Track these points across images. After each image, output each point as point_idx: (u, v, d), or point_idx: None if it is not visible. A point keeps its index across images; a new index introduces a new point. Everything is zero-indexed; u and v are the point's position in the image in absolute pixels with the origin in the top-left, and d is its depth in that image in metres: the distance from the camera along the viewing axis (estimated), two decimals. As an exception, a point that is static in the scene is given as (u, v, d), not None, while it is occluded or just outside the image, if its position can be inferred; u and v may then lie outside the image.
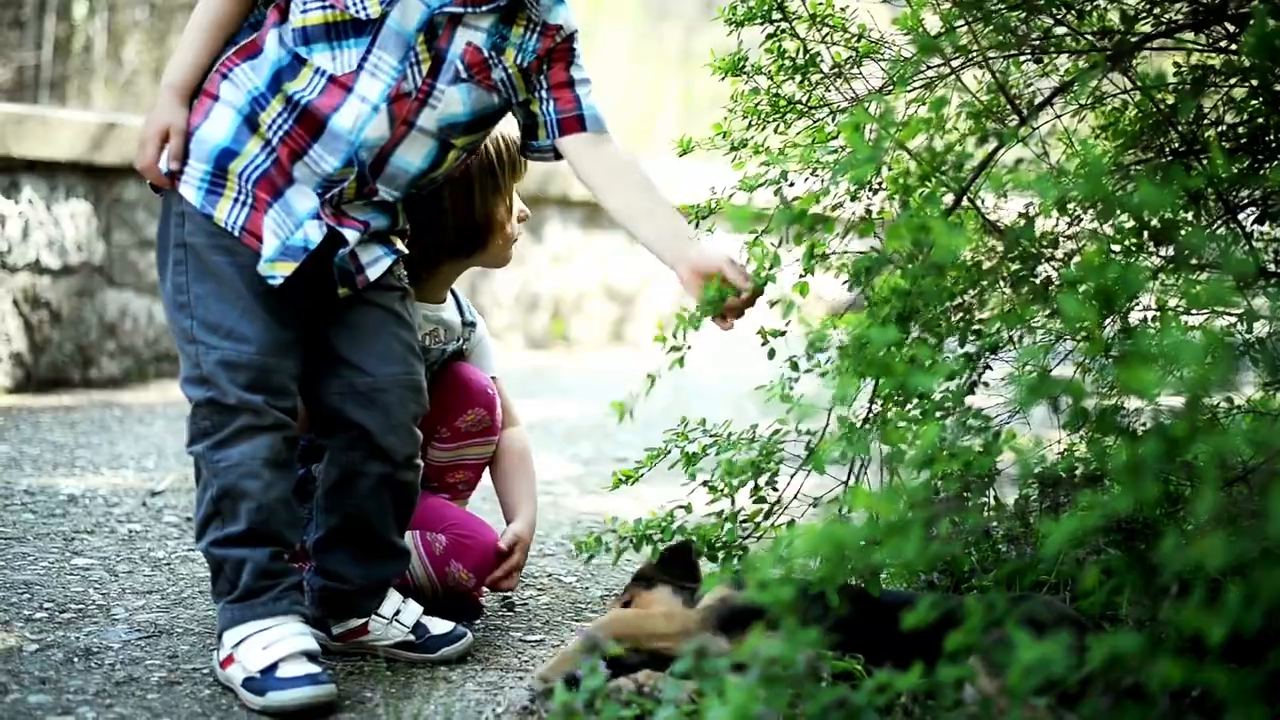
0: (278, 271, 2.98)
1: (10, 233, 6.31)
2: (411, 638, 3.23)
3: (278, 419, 2.97)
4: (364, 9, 2.95)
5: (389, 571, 3.24)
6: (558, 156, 3.18)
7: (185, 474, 4.99)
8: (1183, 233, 3.07)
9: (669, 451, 3.51)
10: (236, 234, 2.98)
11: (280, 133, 2.99)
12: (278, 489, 2.98)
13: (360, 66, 2.97)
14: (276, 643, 2.92)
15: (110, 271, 6.87)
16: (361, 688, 3.04)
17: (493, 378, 3.68)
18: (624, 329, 9.98)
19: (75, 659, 3.10)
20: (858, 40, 3.37)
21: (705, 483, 3.42)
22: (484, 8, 3.01)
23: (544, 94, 3.14)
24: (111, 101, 9.54)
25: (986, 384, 3.24)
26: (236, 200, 2.99)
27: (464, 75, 3.03)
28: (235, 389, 2.94)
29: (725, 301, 3.00)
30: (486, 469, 3.71)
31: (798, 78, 3.41)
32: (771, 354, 3.31)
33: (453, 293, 3.63)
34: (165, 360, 7.19)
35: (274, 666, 2.90)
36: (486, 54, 3.04)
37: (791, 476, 3.42)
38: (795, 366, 3.27)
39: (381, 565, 3.22)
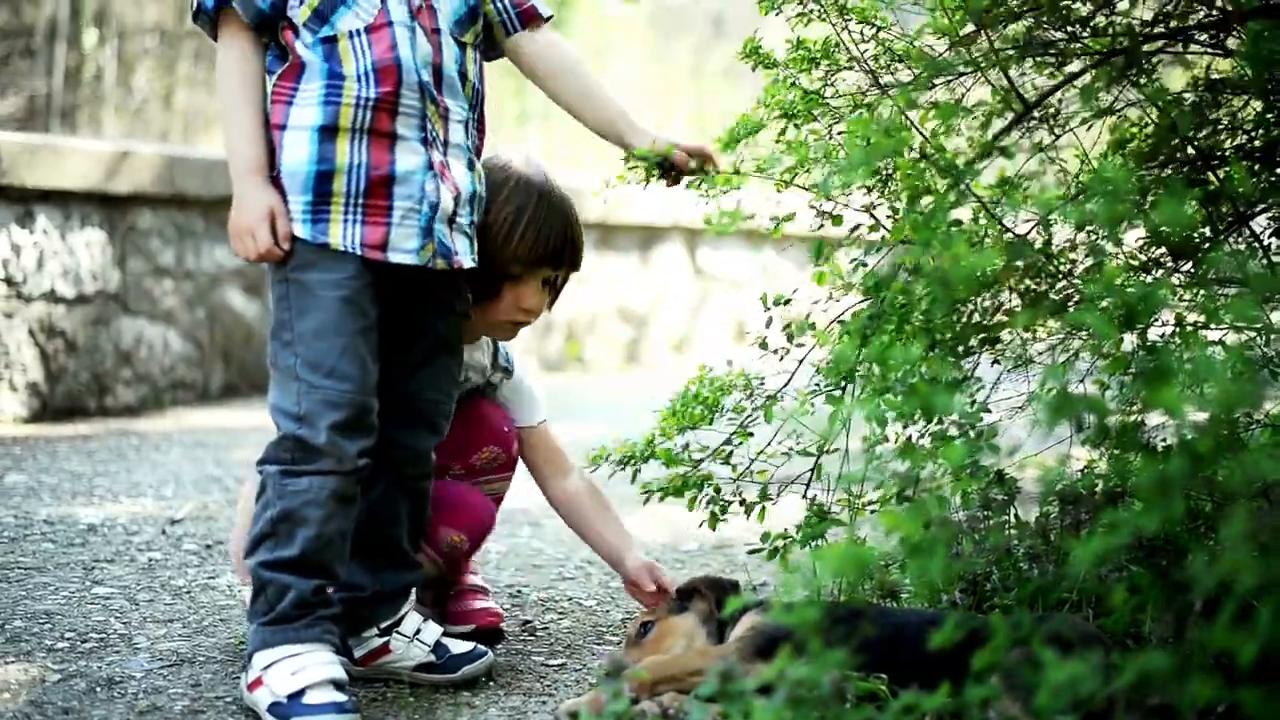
0: (427, 256, 3.05)
1: (25, 262, 6.33)
2: (432, 658, 3.22)
3: (356, 466, 2.99)
4: None
5: (403, 581, 3.25)
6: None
7: (204, 502, 4.99)
8: (1204, 248, 3.06)
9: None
10: (357, 251, 2.98)
11: (368, 108, 3.00)
12: (337, 522, 2.99)
13: (384, 2, 3.02)
14: (305, 669, 2.92)
15: (125, 299, 6.88)
16: (385, 714, 3.03)
17: (541, 422, 3.65)
18: (638, 350, 9.98)
19: (98, 689, 3.09)
20: (875, 34, 3.37)
21: (673, 411, 3.46)
22: None
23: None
24: (122, 129, 9.57)
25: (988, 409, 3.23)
26: (347, 219, 2.99)
27: (445, 5, 3.11)
28: (329, 431, 2.95)
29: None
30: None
31: (818, 71, 3.40)
32: (769, 323, 3.33)
33: (506, 354, 3.62)
34: (181, 388, 7.20)
35: (301, 693, 2.89)
36: None
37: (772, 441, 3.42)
38: (790, 339, 3.30)
39: (396, 573, 3.23)
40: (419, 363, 3.16)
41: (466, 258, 3.12)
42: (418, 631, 3.23)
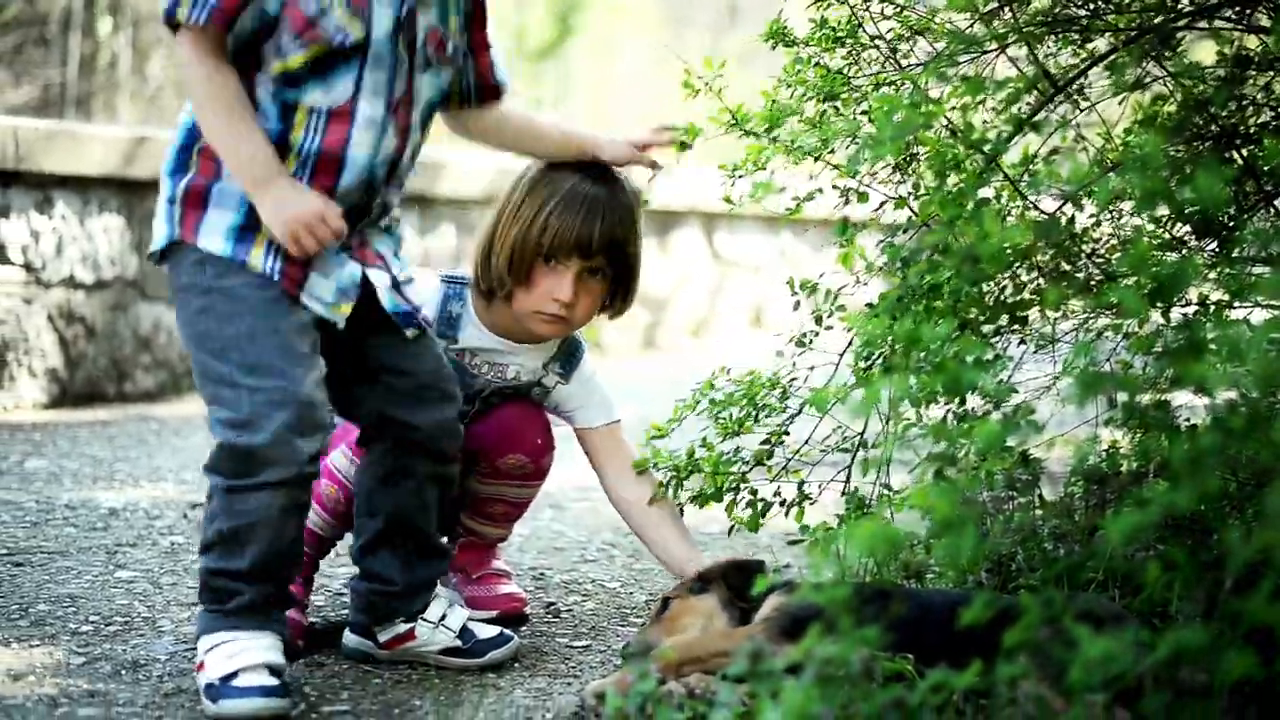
0: (340, 314, 2.99)
1: (44, 248, 6.33)
2: (458, 642, 3.22)
3: (305, 472, 2.92)
4: (347, 37, 2.90)
5: (433, 572, 3.25)
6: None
7: (224, 486, 4.99)
8: (1230, 227, 3.05)
9: (698, 403, 3.53)
10: (276, 278, 2.92)
11: (304, 182, 2.94)
12: (290, 532, 2.96)
13: (357, 91, 2.93)
14: (242, 653, 2.90)
15: (144, 285, 6.88)
16: (410, 695, 3.03)
17: (608, 424, 3.60)
18: (655, 334, 9.96)
19: (123, 671, 3.09)
20: (898, 11, 3.35)
21: (717, 417, 3.49)
22: None
23: (469, 61, 3.18)
24: (137, 116, 9.57)
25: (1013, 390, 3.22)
26: (270, 247, 2.93)
27: (432, 62, 3.04)
28: (279, 431, 2.86)
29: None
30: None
31: (842, 50, 3.39)
32: (796, 306, 3.34)
33: (567, 345, 3.59)
34: (199, 373, 7.20)
35: (234, 675, 2.87)
36: (443, 32, 3.05)
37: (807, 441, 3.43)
38: (819, 320, 3.33)
39: (426, 566, 3.22)
40: (406, 339, 3.10)
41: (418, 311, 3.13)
42: (443, 617, 3.22)
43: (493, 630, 3.27)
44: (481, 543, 3.67)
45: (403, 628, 3.22)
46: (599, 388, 3.63)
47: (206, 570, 2.96)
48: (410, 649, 3.23)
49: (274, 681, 2.88)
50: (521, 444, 3.54)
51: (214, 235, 2.94)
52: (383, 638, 3.23)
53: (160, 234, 3.00)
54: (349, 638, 3.28)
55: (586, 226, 3.31)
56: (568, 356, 3.57)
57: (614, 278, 3.43)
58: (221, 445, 2.90)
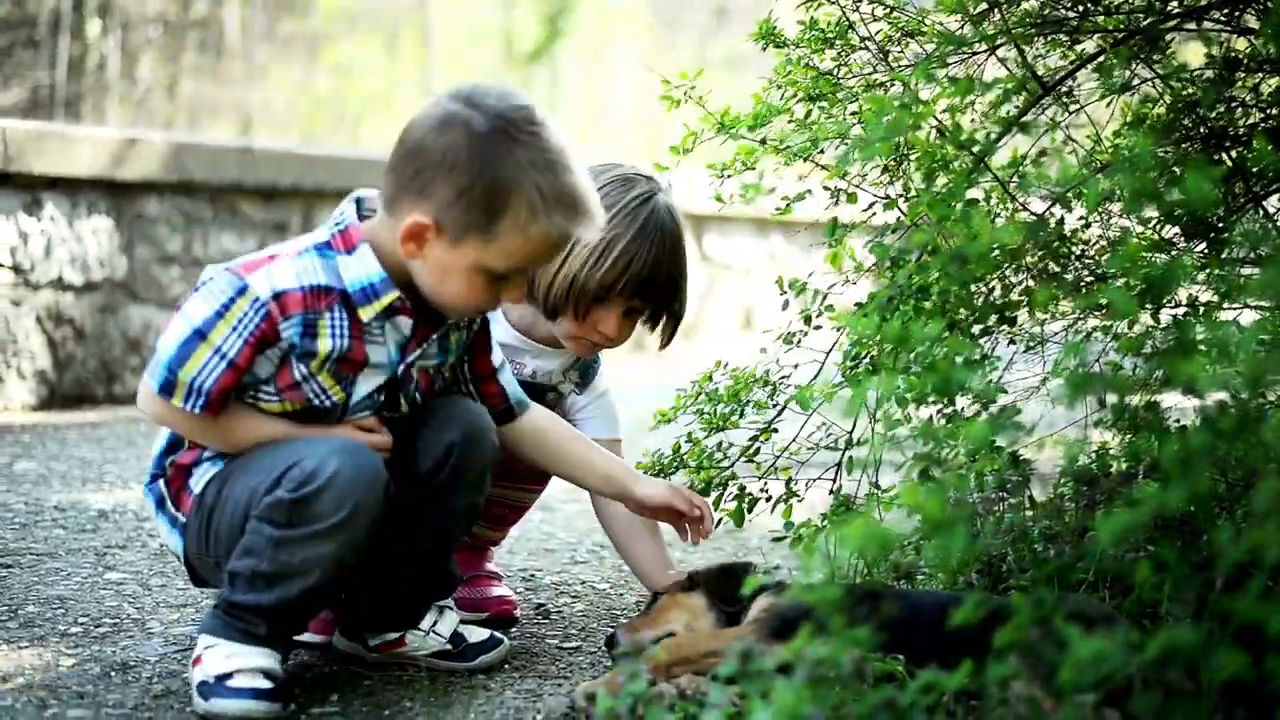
0: None
1: (33, 250, 6.32)
2: (449, 647, 3.21)
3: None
4: (327, 398, 2.96)
5: (436, 598, 3.25)
6: None
7: (213, 488, 4.99)
8: (1219, 228, 3.05)
9: (699, 393, 3.56)
10: None
11: None
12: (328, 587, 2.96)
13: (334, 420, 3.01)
14: (240, 655, 2.89)
15: (133, 287, 6.88)
16: (400, 696, 3.03)
17: (612, 439, 3.58)
18: (644, 337, 9.96)
19: (112, 673, 3.09)
20: (888, 13, 3.36)
21: (699, 411, 3.52)
22: (433, 337, 3.02)
23: (469, 388, 3.19)
24: (126, 119, 9.56)
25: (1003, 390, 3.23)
26: None
27: (417, 396, 3.07)
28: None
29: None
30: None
31: (831, 51, 3.39)
32: (785, 305, 3.35)
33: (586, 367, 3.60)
34: (188, 375, 7.19)
35: (228, 675, 2.87)
36: (433, 373, 3.08)
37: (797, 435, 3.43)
38: (808, 320, 3.35)
39: (427, 591, 3.23)
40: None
41: None
42: (434, 624, 3.23)
43: (484, 634, 3.27)
44: (476, 545, 3.66)
45: (393, 635, 3.22)
46: (610, 405, 3.65)
47: (230, 598, 2.95)
48: (401, 654, 3.23)
49: (268, 685, 2.88)
50: None
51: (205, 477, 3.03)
52: (373, 642, 3.23)
53: (174, 544, 3.13)
54: (339, 640, 3.28)
55: (648, 272, 3.33)
56: (586, 367, 3.59)
57: (669, 315, 3.46)
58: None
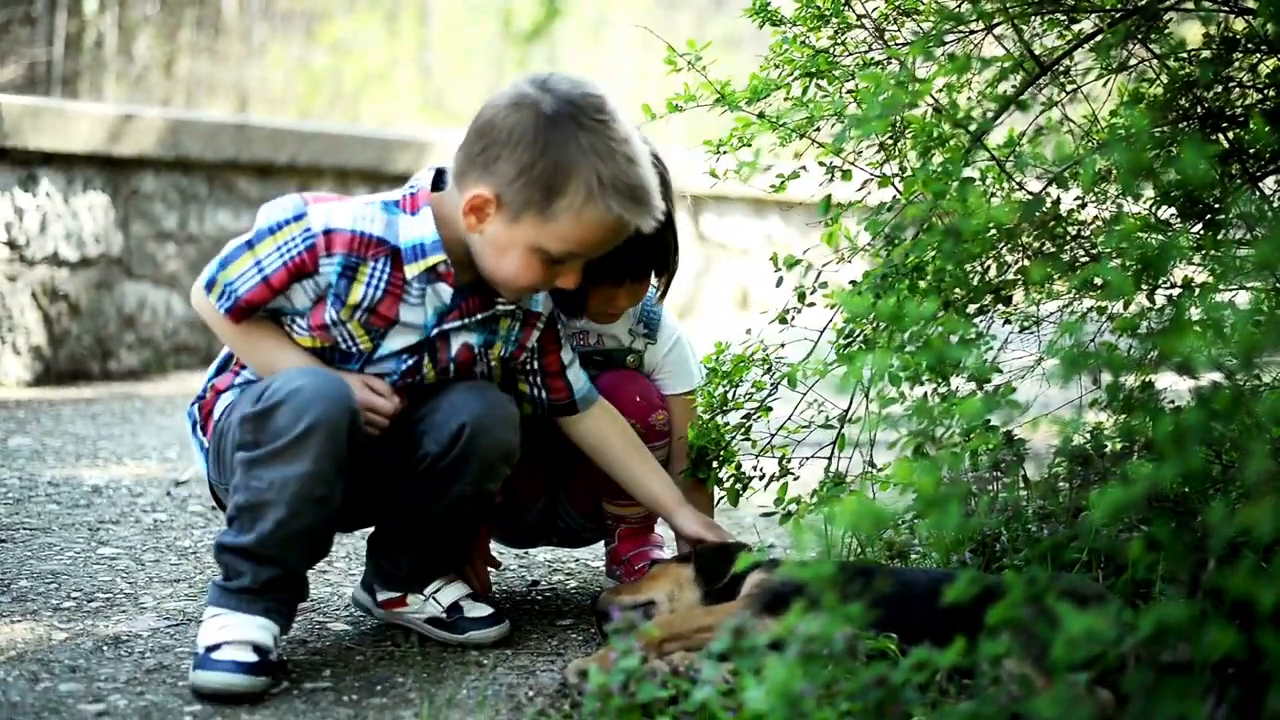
0: None
1: (28, 225, 6.31)
2: (442, 616, 3.24)
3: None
4: (354, 344, 3.05)
5: (443, 570, 3.30)
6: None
7: (208, 464, 4.99)
8: (1215, 209, 3.04)
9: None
10: None
11: None
12: (307, 518, 2.94)
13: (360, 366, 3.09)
14: (232, 626, 2.90)
15: (129, 263, 6.87)
16: (393, 672, 3.03)
17: (687, 392, 3.54)
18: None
19: (105, 647, 3.09)
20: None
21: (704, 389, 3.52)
22: (478, 316, 3.09)
23: (536, 380, 3.25)
24: (123, 96, 9.53)
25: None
26: None
27: (451, 370, 3.12)
28: None
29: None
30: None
31: (828, 29, 3.38)
32: (779, 283, 3.34)
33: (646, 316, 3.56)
34: (184, 352, 7.18)
35: (217, 646, 2.88)
36: (476, 351, 3.13)
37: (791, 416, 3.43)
38: (802, 298, 3.36)
39: (439, 564, 3.29)
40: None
41: None
42: (437, 590, 3.26)
43: (484, 610, 3.28)
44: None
45: (397, 594, 3.28)
46: (683, 354, 3.60)
47: (217, 546, 2.98)
48: (401, 614, 3.28)
49: (253, 658, 2.87)
50: (620, 405, 3.44)
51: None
52: (380, 597, 3.30)
53: (200, 467, 3.25)
54: (357, 591, 3.37)
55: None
56: (646, 318, 3.55)
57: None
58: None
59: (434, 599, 3.25)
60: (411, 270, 3.01)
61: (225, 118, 8.04)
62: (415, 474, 3.10)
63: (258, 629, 2.91)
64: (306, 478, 2.87)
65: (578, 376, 3.28)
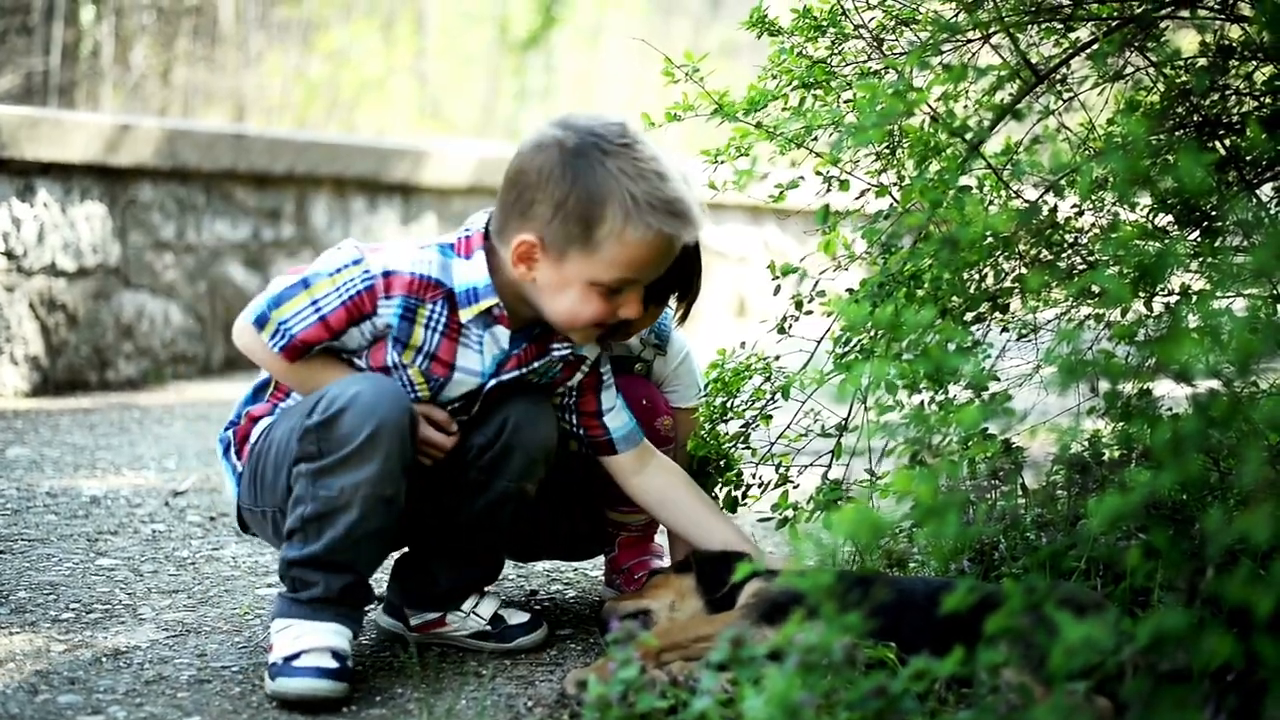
0: None
1: (26, 236, 6.31)
2: (488, 629, 3.26)
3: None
4: (413, 391, 3.06)
5: (482, 581, 3.31)
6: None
7: (206, 474, 4.99)
8: (1212, 216, 3.05)
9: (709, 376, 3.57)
10: None
11: None
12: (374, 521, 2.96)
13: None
14: (308, 635, 2.92)
15: (126, 273, 6.87)
16: (393, 683, 3.03)
17: (692, 406, 3.56)
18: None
19: (104, 659, 3.09)
20: (881, 2, 3.35)
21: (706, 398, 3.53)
22: (534, 364, 3.12)
23: (573, 419, 3.26)
24: (120, 105, 9.54)
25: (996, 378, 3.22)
26: None
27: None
28: None
29: None
30: None
31: (825, 40, 3.38)
32: (777, 290, 3.35)
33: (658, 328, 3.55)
34: (182, 362, 7.19)
35: (296, 655, 2.90)
36: (523, 377, 3.14)
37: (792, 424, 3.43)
38: (800, 306, 3.35)
39: (474, 573, 3.29)
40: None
41: None
42: (476, 605, 3.27)
43: (524, 616, 3.30)
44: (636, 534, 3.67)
45: (433, 615, 3.27)
46: (691, 367, 3.61)
47: (284, 561, 3.00)
48: (442, 633, 3.28)
49: (334, 664, 2.91)
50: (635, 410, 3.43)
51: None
52: (414, 621, 3.29)
53: (229, 491, 3.26)
54: (381, 617, 3.34)
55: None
56: (658, 330, 3.54)
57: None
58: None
59: (474, 614, 3.26)
60: (466, 314, 3.02)
61: (223, 127, 8.04)
62: (461, 468, 3.11)
63: (334, 635, 2.94)
64: (377, 479, 2.90)
65: (614, 419, 3.27)
